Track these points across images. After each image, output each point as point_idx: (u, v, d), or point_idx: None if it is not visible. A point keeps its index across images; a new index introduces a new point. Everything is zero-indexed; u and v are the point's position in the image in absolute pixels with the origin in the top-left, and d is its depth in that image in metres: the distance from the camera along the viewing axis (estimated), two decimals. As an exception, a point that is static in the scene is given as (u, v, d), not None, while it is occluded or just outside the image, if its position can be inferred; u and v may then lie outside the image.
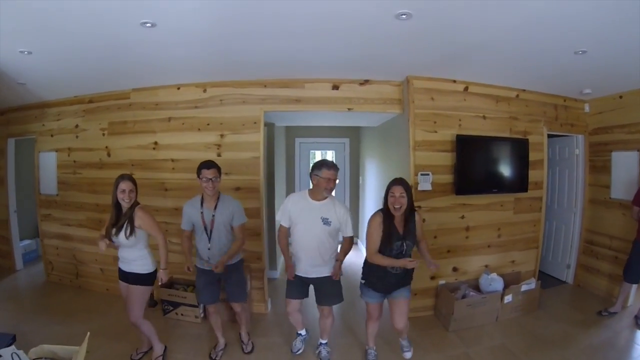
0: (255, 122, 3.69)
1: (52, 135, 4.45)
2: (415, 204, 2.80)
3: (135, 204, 2.59)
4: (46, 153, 4.50)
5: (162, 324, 3.39)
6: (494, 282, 3.59)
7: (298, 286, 2.82)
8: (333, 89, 3.69)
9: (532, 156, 3.88)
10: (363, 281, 2.71)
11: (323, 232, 2.65)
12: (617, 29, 2.30)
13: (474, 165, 3.66)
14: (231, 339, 3.16)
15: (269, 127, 4.62)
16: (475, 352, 3.01)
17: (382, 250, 2.50)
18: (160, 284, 2.67)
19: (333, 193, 2.77)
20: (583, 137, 4.36)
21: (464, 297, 3.47)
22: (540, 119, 4.03)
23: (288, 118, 4.73)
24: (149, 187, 3.80)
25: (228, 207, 2.73)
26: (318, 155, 7.15)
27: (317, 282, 2.77)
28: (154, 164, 3.90)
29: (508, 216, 3.90)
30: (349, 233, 2.76)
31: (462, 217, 3.71)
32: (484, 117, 3.75)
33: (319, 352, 2.97)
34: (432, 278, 3.67)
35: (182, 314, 3.58)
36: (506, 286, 3.59)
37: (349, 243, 2.81)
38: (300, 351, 3.02)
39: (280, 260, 5.13)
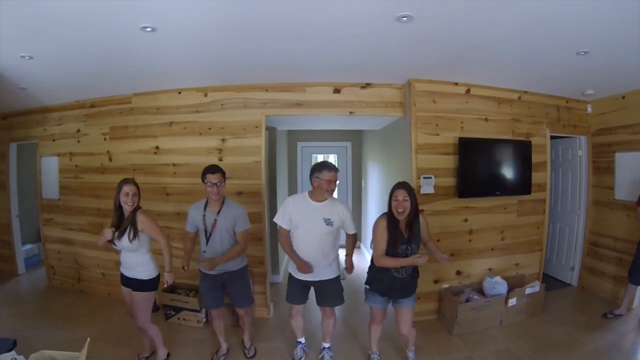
0: (256, 126, 3.69)
1: (53, 140, 4.47)
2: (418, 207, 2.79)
3: (137, 208, 2.59)
4: (48, 157, 4.51)
5: (164, 329, 3.32)
6: (497, 285, 3.57)
7: (300, 290, 2.80)
8: (334, 92, 3.69)
9: (535, 158, 3.86)
10: (367, 286, 2.69)
11: (325, 233, 2.65)
12: (619, 29, 2.29)
13: (476, 168, 3.64)
14: (233, 344, 3.14)
15: (271, 131, 4.61)
16: (480, 356, 2.98)
17: (387, 254, 2.49)
18: (165, 286, 2.66)
19: (335, 195, 2.77)
20: (586, 138, 4.34)
21: (467, 300, 3.45)
22: (543, 121, 4.01)
23: (290, 122, 4.72)
24: (151, 191, 3.80)
25: (232, 212, 2.72)
26: (320, 159, 7.13)
27: (319, 284, 2.76)
28: (156, 169, 3.90)
29: (511, 219, 3.88)
30: (352, 230, 2.79)
31: (465, 220, 3.69)
32: (486, 120, 3.73)
33: (322, 356, 2.96)
34: (436, 282, 3.65)
35: (184, 319, 3.56)
36: (510, 289, 3.56)
37: (353, 239, 2.85)
38: (302, 359, 3.00)
39: (283, 264, 5.11)
